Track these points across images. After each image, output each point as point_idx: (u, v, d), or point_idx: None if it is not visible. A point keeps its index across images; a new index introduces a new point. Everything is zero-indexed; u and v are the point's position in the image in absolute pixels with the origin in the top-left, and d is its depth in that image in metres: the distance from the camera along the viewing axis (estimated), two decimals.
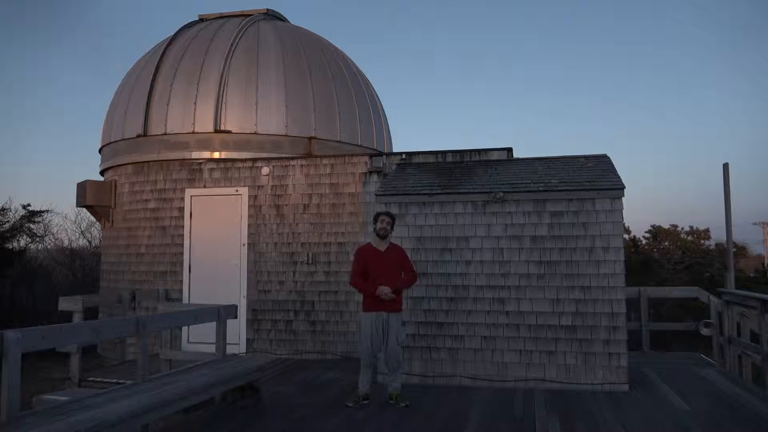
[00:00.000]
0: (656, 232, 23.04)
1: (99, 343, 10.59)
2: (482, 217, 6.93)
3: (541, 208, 6.79)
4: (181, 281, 9.43)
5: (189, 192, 9.57)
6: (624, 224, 6.86)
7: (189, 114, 10.37)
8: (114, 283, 10.50)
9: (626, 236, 21.11)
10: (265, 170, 9.30)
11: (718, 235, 23.67)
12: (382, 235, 5.93)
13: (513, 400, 6.03)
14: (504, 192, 6.85)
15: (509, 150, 8.66)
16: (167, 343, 7.22)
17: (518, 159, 8.43)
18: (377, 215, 6.05)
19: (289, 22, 13.17)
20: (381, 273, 5.84)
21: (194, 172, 9.67)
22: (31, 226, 16.18)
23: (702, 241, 22.61)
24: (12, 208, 15.84)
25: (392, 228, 6.05)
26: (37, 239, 17.28)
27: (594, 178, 6.96)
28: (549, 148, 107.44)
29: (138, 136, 10.55)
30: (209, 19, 12.25)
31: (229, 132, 10.26)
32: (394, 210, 7.08)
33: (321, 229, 9.05)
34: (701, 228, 22.92)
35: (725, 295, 7.65)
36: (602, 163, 7.53)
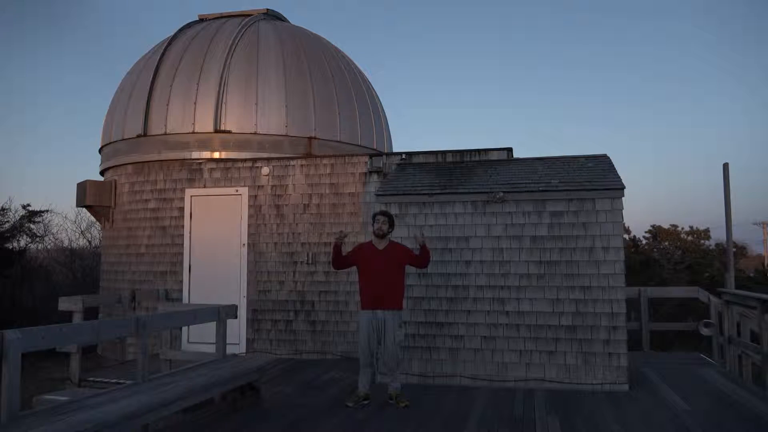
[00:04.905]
0: (656, 232, 23.03)
1: (99, 343, 10.59)
2: (482, 217, 6.93)
3: (541, 208, 6.79)
4: (181, 281, 9.42)
5: (189, 192, 9.57)
6: (624, 224, 6.86)
7: (189, 114, 10.37)
8: (114, 283, 10.50)
9: (626, 236, 21.10)
10: (265, 170, 9.30)
11: (718, 235, 23.71)
12: (379, 235, 5.96)
13: (513, 400, 6.02)
14: (504, 192, 6.85)
15: (509, 150, 8.66)
16: (167, 343, 7.22)
17: (518, 159, 8.43)
18: (374, 215, 6.11)
19: (289, 22, 13.17)
20: (375, 272, 5.86)
21: (194, 172, 9.67)
22: (31, 226, 16.19)
23: (702, 241, 22.60)
24: (12, 208, 15.87)
25: (390, 226, 6.05)
26: (37, 239, 17.29)
27: (594, 178, 6.96)
28: (549, 148, 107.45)
29: (138, 136, 10.56)
30: (209, 19, 12.25)
31: (229, 132, 10.26)
32: (394, 210, 7.09)
33: (321, 229, 9.04)
34: (701, 228, 22.92)
35: (725, 295, 7.64)
36: (602, 163, 7.52)
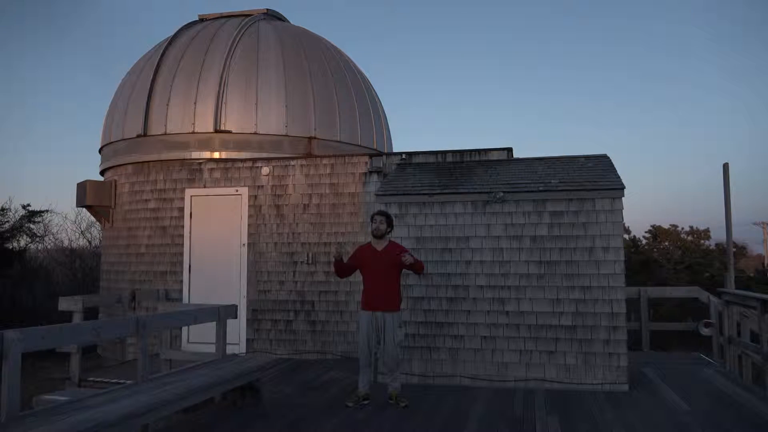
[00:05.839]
0: (656, 232, 23.04)
1: (99, 343, 10.60)
2: (482, 217, 6.93)
3: (541, 208, 6.79)
4: (181, 281, 9.42)
5: (189, 192, 9.57)
6: (624, 224, 6.86)
7: (189, 114, 10.37)
8: (114, 283, 10.50)
9: (626, 236, 21.10)
10: (265, 170, 9.30)
11: (718, 235, 23.70)
12: (377, 235, 5.96)
13: (513, 400, 6.03)
14: (504, 192, 6.85)
15: (509, 150, 8.66)
16: (167, 343, 7.22)
17: (518, 159, 8.43)
18: (372, 216, 6.10)
19: (289, 22, 13.18)
20: (374, 273, 5.86)
21: (194, 172, 9.67)
22: (31, 226, 16.19)
23: (702, 241, 22.60)
24: (12, 208, 15.87)
25: (389, 226, 6.02)
26: (37, 239, 17.30)
27: (594, 178, 6.96)
28: (549, 148, 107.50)
29: (138, 136, 10.56)
30: (209, 19, 12.26)
31: (229, 132, 10.26)
32: (394, 210, 7.09)
33: (321, 229, 9.04)
34: (701, 228, 22.93)
35: (725, 295, 7.64)
36: (602, 163, 7.53)
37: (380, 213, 6.07)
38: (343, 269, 6.01)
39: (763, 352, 6.26)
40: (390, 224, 6.05)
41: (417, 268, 5.92)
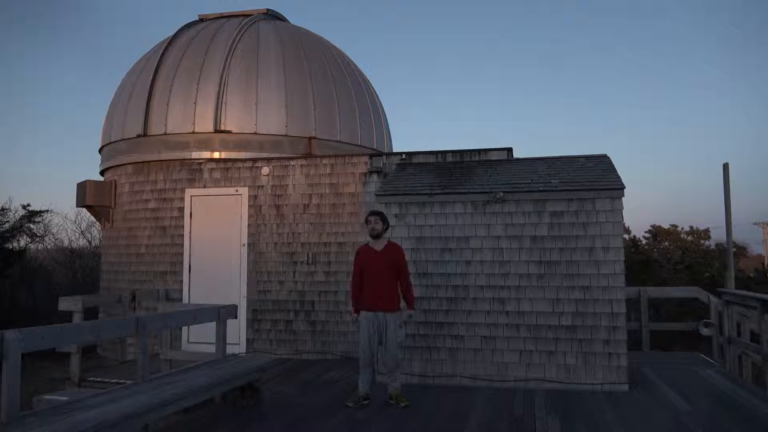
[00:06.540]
0: (656, 232, 23.00)
1: (99, 343, 10.59)
2: (482, 217, 6.93)
3: (541, 208, 6.79)
4: (181, 281, 9.42)
5: (189, 192, 9.57)
6: (624, 224, 6.85)
7: (189, 114, 10.37)
8: (114, 283, 10.50)
9: (626, 236, 21.07)
10: (265, 170, 9.30)
11: (718, 235, 23.67)
12: (374, 235, 5.96)
13: (513, 400, 6.03)
14: (504, 192, 6.85)
15: (509, 150, 8.66)
16: (167, 343, 7.22)
17: (518, 159, 8.43)
18: (366, 218, 6.09)
19: (289, 22, 13.18)
20: (375, 274, 5.85)
21: (194, 172, 9.67)
22: (31, 226, 16.17)
23: (702, 241, 22.56)
24: (12, 208, 15.84)
25: (384, 224, 6.02)
26: (37, 239, 17.29)
27: (594, 178, 6.96)
28: (549, 148, 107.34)
29: (138, 136, 10.56)
30: (209, 19, 12.26)
31: (229, 132, 10.27)
32: (394, 210, 7.09)
33: (321, 229, 9.04)
34: (701, 228, 22.89)
35: (725, 295, 7.64)
36: (602, 164, 7.53)
37: (373, 213, 6.08)
38: (357, 285, 5.98)
39: (763, 352, 6.26)
40: (385, 222, 6.04)
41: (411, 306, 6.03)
